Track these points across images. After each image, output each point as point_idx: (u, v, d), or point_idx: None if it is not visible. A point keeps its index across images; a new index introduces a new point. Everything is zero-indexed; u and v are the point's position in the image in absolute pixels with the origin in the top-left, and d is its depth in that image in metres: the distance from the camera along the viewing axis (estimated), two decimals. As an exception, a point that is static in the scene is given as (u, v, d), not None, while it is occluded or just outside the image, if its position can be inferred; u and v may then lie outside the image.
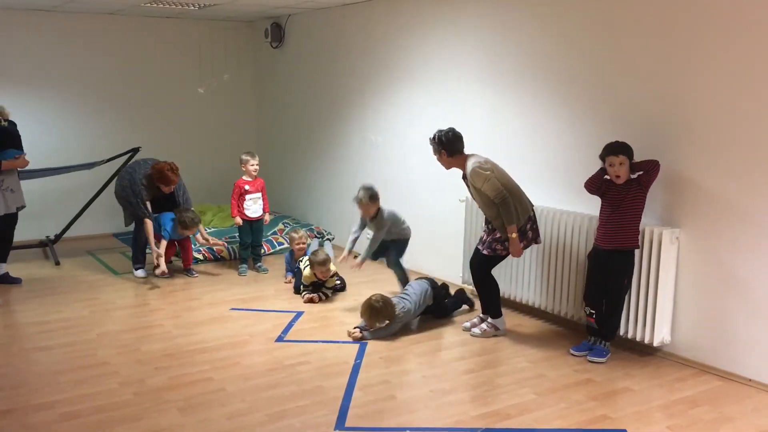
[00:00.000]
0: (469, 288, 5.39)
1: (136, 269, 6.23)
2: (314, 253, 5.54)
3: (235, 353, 4.40)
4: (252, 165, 6.25)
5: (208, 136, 8.47)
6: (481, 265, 4.70)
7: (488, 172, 4.43)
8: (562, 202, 4.89)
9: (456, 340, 4.71)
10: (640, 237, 4.23)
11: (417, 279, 5.10)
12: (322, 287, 5.57)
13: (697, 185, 4.11)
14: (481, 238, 4.73)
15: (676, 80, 4.16)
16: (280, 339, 4.67)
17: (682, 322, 4.27)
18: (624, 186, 4.16)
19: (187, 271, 6.25)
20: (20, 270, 6.20)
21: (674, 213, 4.24)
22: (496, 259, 4.66)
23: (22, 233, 6.54)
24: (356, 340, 4.58)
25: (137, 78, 7.96)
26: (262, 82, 8.59)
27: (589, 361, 4.24)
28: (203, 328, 4.88)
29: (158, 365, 4.19)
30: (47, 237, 7.14)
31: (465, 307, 5.24)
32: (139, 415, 3.53)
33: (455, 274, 5.65)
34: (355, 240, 5.43)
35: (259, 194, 6.33)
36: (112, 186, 6.77)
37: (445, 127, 4.62)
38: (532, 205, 4.63)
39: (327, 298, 5.52)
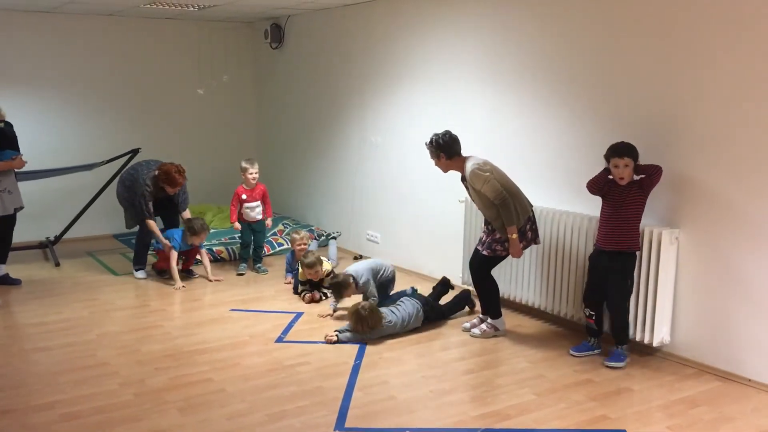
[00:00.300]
0: (469, 289, 5.40)
1: (137, 270, 6.23)
2: (305, 254, 5.55)
3: (235, 354, 4.40)
4: (250, 174, 6.22)
5: (208, 136, 8.47)
6: (481, 265, 4.70)
7: (487, 174, 4.42)
8: (562, 202, 4.89)
9: (456, 340, 4.71)
10: (639, 238, 4.22)
11: (412, 296, 5.01)
12: (320, 286, 5.57)
13: (697, 185, 4.11)
14: (480, 239, 4.73)
15: (676, 80, 4.16)
16: (279, 340, 4.67)
17: (682, 323, 4.27)
18: (625, 187, 4.15)
19: (186, 272, 6.25)
20: (20, 271, 6.20)
21: (674, 213, 4.24)
22: (496, 259, 4.66)
23: (22, 234, 6.55)
24: (330, 343, 4.56)
25: (137, 79, 7.96)
26: (261, 83, 8.59)
27: (608, 367, 4.17)
28: (203, 329, 4.88)
29: (158, 366, 4.19)
30: (47, 238, 7.14)
31: (466, 309, 5.22)
32: (139, 415, 3.53)
33: (455, 275, 5.65)
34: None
35: (257, 203, 6.33)
36: (112, 187, 6.77)
37: (440, 131, 4.60)
38: (531, 206, 4.63)
39: (327, 298, 5.52)
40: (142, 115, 8.03)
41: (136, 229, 6.20)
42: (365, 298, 4.99)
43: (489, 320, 4.77)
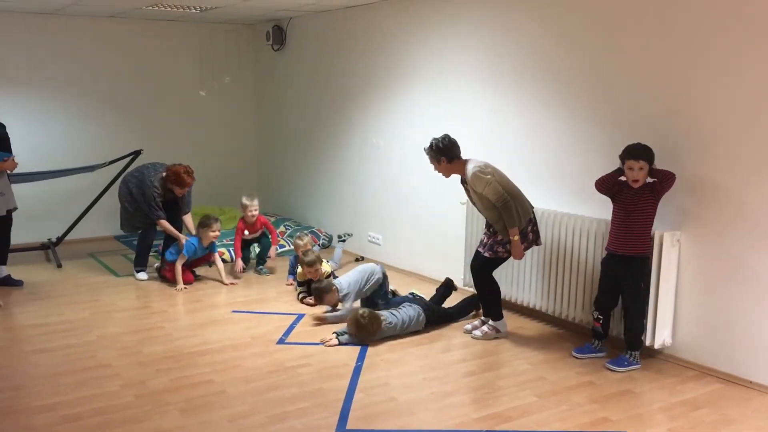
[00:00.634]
0: (470, 291, 5.39)
1: (138, 272, 6.24)
2: (305, 253, 5.56)
3: (236, 355, 4.40)
4: (250, 211, 6.23)
5: (210, 138, 8.48)
6: (482, 267, 4.70)
7: (489, 176, 4.42)
8: (563, 203, 4.89)
9: (457, 342, 4.71)
10: (651, 242, 4.17)
11: (414, 302, 5.00)
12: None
13: (698, 187, 4.10)
14: (481, 241, 4.72)
15: (676, 81, 4.16)
16: (281, 341, 4.66)
17: (683, 325, 4.27)
18: (637, 190, 4.09)
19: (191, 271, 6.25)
20: (22, 272, 6.21)
21: (675, 215, 4.23)
22: (498, 261, 4.66)
23: (24, 236, 6.57)
24: (330, 346, 4.55)
25: (139, 81, 7.98)
26: (263, 85, 8.60)
27: (608, 369, 4.16)
28: (204, 330, 4.88)
29: (159, 367, 4.19)
30: (49, 239, 7.16)
31: (473, 312, 5.20)
32: (140, 417, 3.53)
33: (456, 277, 5.65)
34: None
35: (258, 233, 6.42)
36: (114, 189, 6.78)
37: (439, 135, 4.60)
38: (532, 207, 4.63)
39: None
40: (144, 117, 8.05)
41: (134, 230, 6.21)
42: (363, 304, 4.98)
43: (490, 322, 4.77)
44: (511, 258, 4.59)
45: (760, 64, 3.76)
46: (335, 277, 5.75)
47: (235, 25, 8.41)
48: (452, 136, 4.60)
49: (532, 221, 4.59)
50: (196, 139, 8.35)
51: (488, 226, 4.65)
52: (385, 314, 4.70)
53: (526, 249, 4.59)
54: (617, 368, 4.16)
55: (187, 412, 3.59)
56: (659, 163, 4.10)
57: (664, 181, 4.05)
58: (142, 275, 6.21)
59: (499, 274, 4.84)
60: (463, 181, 4.65)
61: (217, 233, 6.01)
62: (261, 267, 6.47)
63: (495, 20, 5.31)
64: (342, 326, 4.70)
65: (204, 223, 5.93)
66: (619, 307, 4.34)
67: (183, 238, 5.94)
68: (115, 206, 6.32)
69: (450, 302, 5.25)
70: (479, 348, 4.59)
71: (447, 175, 4.67)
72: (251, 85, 8.73)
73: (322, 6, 6.80)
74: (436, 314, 4.96)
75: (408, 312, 4.79)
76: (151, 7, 6.83)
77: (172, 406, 3.66)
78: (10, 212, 5.84)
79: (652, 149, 4.06)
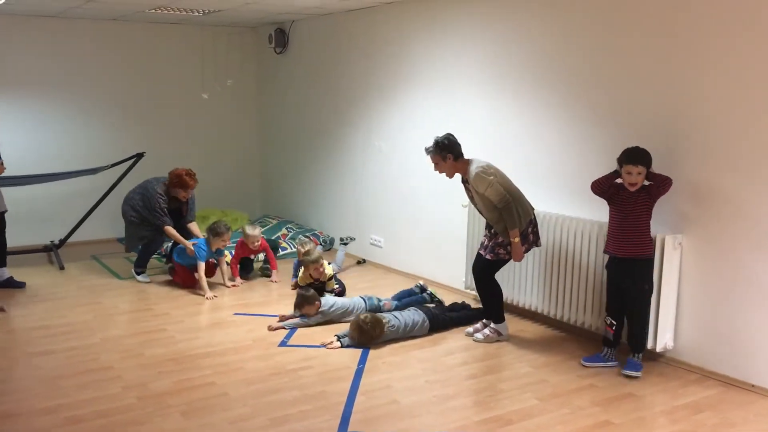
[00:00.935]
0: (472, 294, 5.40)
1: (138, 273, 6.24)
2: (307, 252, 5.55)
3: (238, 358, 4.40)
4: (252, 243, 6.16)
5: (212, 141, 8.49)
6: (484, 269, 4.70)
7: (491, 177, 4.43)
8: (564, 205, 4.89)
9: (459, 345, 4.71)
10: (652, 242, 4.16)
11: (419, 308, 4.99)
12: (322, 291, 5.56)
13: (700, 190, 4.10)
14: (482, 243, 4.73)
15: (677, 82, 4.16)
16: (282, 344, 4.67)
17: (685, 328, 4.26)
18: (633, 192, 4.08)
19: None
20: (24, 274, 6.22)
21: (676, 218, 4.24)
22: (499, 263, 4.66)
23: (26, 238, 6.58)
24: (331, 348, 4.55)
25: (141, 83, 7.99)
26: (265, 88, 8.61)
27: (625, 376, 4.11)
28: (206, 333, 4.89)
29: (161, 369, 4.19)
30: (52, 242, 7.17)
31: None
32: (142, 419, 3.53)
33: (458, 279, 5.65)
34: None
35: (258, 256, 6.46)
36: (116, 191, 6.81)
37: (440, 134, 4.60)
38: (533, 208, 4.63)
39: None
40: (147, 120, 8.06)
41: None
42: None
43: (492, 325, 4.76)
44: (512, 260, 4.59)
45: (760, 65, 3.76)
46: (337, 280, 5.77)
47: (237, 28, 8.43)
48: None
49: (533, 222, 4.59)
50: (198, 141, 8.36)
51: (488, 227, 4.65)
52: (388, 317, 4.71)
53: (527, 251, 4.59)
54: (635, 373, 4.10)
55: (188, 415, 3.59)
56: (660, 165, 4.10)
57: (661, 185, 4.04)
58: (143, 277, 6.22)
59: (501, 276, 4.84)
60: (465, 181, 4.65)
61: (227, 242, 6.01)
62: (266, 266, 6.47)
63: (495, 21, 5.32)
64: (345, 328, 4.70)
65: (216, 232, 5.86)
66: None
67: (189, 245, 5.93)
68: (118, 208, 6.32)
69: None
70: (481, 351, 4.59)
71: (450, 175, 4.66)
72: (253, 88, 8.74)
73: (324, 9, 6.82)
74: (441, 323, 4.94)
75: (412, 316, 4.80)
76: (153, 11, 6.85)
77: (174, 408, 3.66)
78: (1, 215, 5.85)
79: (650, 153, 4.05)
